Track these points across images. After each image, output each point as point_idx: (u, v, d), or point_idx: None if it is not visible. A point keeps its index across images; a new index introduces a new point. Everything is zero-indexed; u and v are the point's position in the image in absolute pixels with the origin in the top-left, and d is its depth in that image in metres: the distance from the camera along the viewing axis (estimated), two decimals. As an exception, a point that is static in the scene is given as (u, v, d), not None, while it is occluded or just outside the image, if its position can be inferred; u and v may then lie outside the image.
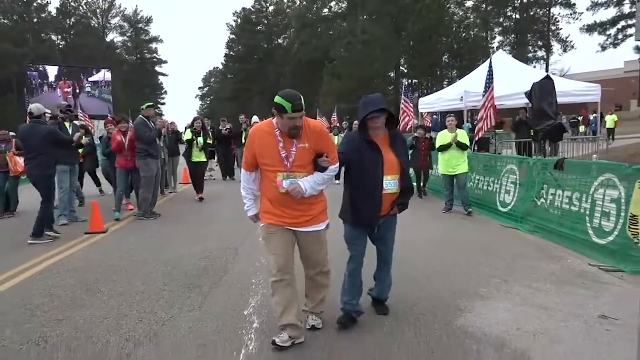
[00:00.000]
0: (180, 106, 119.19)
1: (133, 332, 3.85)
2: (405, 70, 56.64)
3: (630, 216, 5.34)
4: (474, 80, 13.57)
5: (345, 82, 46.92)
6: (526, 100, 11.33)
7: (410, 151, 10.79)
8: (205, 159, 11.27)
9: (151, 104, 9.64)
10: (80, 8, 65.66)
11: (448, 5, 54.15)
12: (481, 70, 12.71)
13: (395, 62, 54.03)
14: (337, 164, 3.65)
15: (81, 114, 21.41)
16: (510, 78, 12.81)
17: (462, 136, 9.50)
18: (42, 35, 62.82)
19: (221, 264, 5.74)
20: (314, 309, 3.86)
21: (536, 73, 14.56)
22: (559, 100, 11.16)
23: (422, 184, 11.36)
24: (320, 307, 3.87)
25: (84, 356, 3.45)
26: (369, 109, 3.67)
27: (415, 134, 11.41)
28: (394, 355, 3.42)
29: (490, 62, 10.59)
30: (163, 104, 75.56)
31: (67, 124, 8.91)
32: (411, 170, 11.21)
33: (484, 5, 54.79)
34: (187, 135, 11.06)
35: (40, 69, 28.90)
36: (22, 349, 3.58)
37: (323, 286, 3.84)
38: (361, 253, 3.95)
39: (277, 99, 3.35)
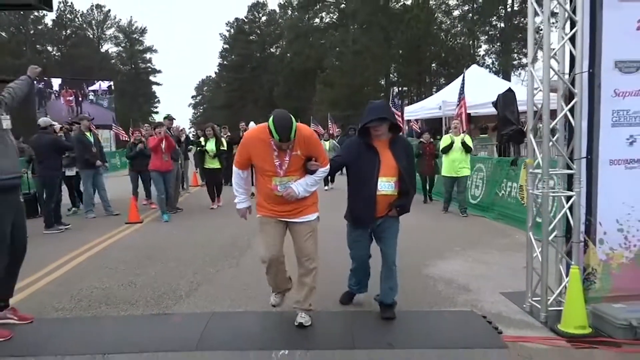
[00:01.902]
0: (173, 115, 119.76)
1: (193, 279, 5.44)
2: (395, 79, 58.30)
3: (520, 187, 7.26)
4: (451, 92, 15.32)
5: (338, 90, 48.54)
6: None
7: (417, 158, 10.87)
8: (219, 165, 11.01)
9: (167, 115, 11.28)
10: (76, 20, 66.88)
11: (435, 16, 55.89)
12: (457, 83, 14.42)
13: (385, 70, 55.76)
14: (327, 167, 3.87)
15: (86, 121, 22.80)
16: (483, 89, 14.51)
17: (468, 139, 9.88)
18: (38, 46, 64.05)
19: (244, 242, 7.29)
20: (302, 305, 3.94)
21: (505, 84, 16.29)
22: (524, 108, 12.81)
23: (428, 189, 11.44)
24: (307, 303, 3.95)
25: (165, 290, 5.04)
26: (370, 117, 3.82)
27: (421, 139, 11.65)
28: (374, 286, 4.97)
29: (464, 77, 12.28)
30: (156, 112, 76.50)
31: (88, 134, 10.44)
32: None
33: (470, 15, 56.67)
34: (208, 145, 10.98)
35: (45, 78, 30.36)
36: (120, 288, 5.16)
37: (313, 281, 3.92)
38: (362, 256, 4.18)
39: (270, 123, 3.52)
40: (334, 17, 59.27)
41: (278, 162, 3.67)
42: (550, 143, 4.11)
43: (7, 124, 4.05)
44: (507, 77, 41.98)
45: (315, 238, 3.91)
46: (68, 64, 61.90)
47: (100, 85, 33.56)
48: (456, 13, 57.90)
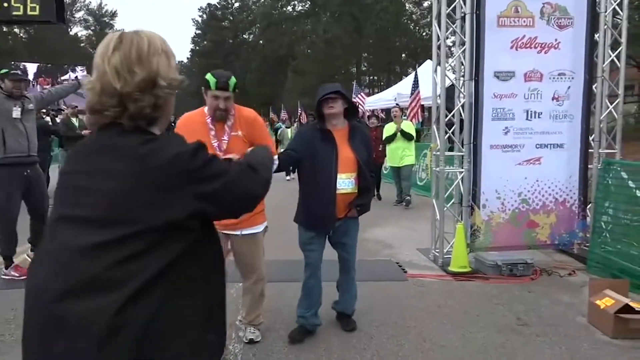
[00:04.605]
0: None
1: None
2: (366, 68, 59.68)
3: (426, 166, 8.69)
4: (405, 85, 16.75)
5: (309, 79, 49.56)
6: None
7: None
8: None
9: None
10: (45, 2, 65.78)
11: (406, 8, 57.22)
12: (411, 77, 15.76)
13: (356, 59, 57.11)
14: (276, 156, 3.29)
15: (65, 108, 23.48)
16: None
17: (407, 127, 9.41)
18: (5, 29, 62.90)
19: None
20: (252, 321, 3.59)
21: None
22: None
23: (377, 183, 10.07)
24: (259, 319, 3.63)
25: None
26: (324, 92, 3.52)
27: (367, 123, 11.03)
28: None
29: (416, 72, 13.68)
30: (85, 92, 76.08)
31: (74, 119, 11.50)
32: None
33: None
34: None
35: (21, 67, 30.67)
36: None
37: (261, 296, 3.58)
38: (316, 260, 3.68)
39: (206, 75, 3.24)
40: (306, 5, 60.11)
41: (216, 143, 3.24)
42: (447, 135, 5.49)
43: (16, 113, 5.22)
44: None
45: (261, 251, 3.53)
46: (35, 47, 61.11)
47: (69, 75, 34.01)
48: (426, 4, 59.55)
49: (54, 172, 11.80)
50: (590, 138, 5.65)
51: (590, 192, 5.69)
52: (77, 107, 12.58)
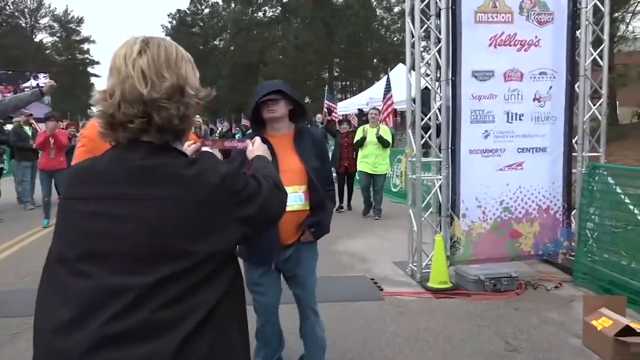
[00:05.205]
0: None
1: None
2: (337, 73, 59.57)
3: (401, 173, 8.31)
4: (377, 89, 16.47)
5: (280, 84, 49.18)
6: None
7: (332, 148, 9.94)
8: None
9: None
10: (7, 7, 63.84)
11: (377, 13, 57.48)
12: (383, 82, 15.51)
13: (328, 65, 56.95)
14: None
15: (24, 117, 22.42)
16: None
17: (384, 132, 8.60)
18: (-33, 35, 60.79)
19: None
20: None
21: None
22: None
23: (347, 191, 9.56)
24: None
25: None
26: (263, 92, 2.80)
27: (337, 129, 10.39)
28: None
29: (388, 76, 13.37)
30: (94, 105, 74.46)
31: (26, 128, 10.74)
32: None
33: (409, 12, 58.50)
34: None
35: (-21, 74, 29.43)
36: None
37: None
38: (270, 304, 2.98)
39: None
40: (277, 11, 59.75)
41: None
42: (423, 140, 5.09)
43: None
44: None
45: None
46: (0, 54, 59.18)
47: (31, 82, 32.77)
48: (397, 9, 59.86)
49: (7, 185, 11.02)
50: (573, 141, 5.33)
51: (575, 198, 5.36)
52: (31, 114, 11.80)
